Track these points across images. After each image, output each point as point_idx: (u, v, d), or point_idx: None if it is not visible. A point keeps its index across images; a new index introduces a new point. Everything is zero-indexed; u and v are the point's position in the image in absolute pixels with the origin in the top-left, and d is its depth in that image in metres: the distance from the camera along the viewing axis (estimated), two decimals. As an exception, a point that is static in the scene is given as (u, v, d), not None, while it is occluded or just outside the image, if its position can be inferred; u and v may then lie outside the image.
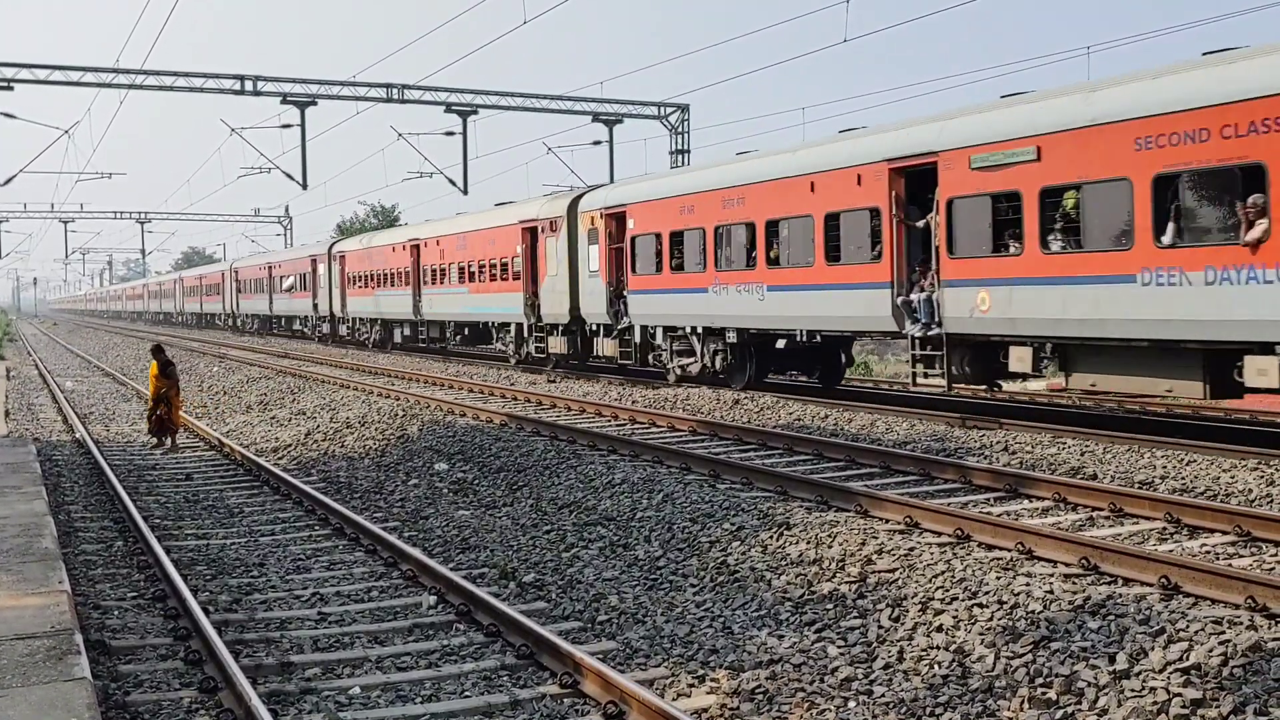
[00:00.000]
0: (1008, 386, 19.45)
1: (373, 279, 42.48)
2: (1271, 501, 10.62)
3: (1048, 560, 8.80)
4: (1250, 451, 12.81)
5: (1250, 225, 12.30)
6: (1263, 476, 11.42)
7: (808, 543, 9.52)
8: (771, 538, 9.81)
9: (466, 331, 35.83)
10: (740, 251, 20.95)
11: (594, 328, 26.78)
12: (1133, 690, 6.12)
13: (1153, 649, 6.53)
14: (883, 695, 6.62)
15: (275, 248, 77.31)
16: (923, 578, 8.33)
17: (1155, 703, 5.94)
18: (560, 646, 7.24)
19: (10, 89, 33.63)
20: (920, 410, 17.70)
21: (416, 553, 10.05)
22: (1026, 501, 11.30)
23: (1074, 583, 8.01)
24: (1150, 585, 7.96)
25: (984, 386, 17.66)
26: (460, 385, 25.97)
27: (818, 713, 6.50)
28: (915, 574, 8.44)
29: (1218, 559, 8.87)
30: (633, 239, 24.39)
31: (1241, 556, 9.02)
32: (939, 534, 9.84)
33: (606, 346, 26.28)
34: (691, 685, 7.05)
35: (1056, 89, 15.24)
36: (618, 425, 18.18)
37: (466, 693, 7.02)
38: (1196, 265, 12.90)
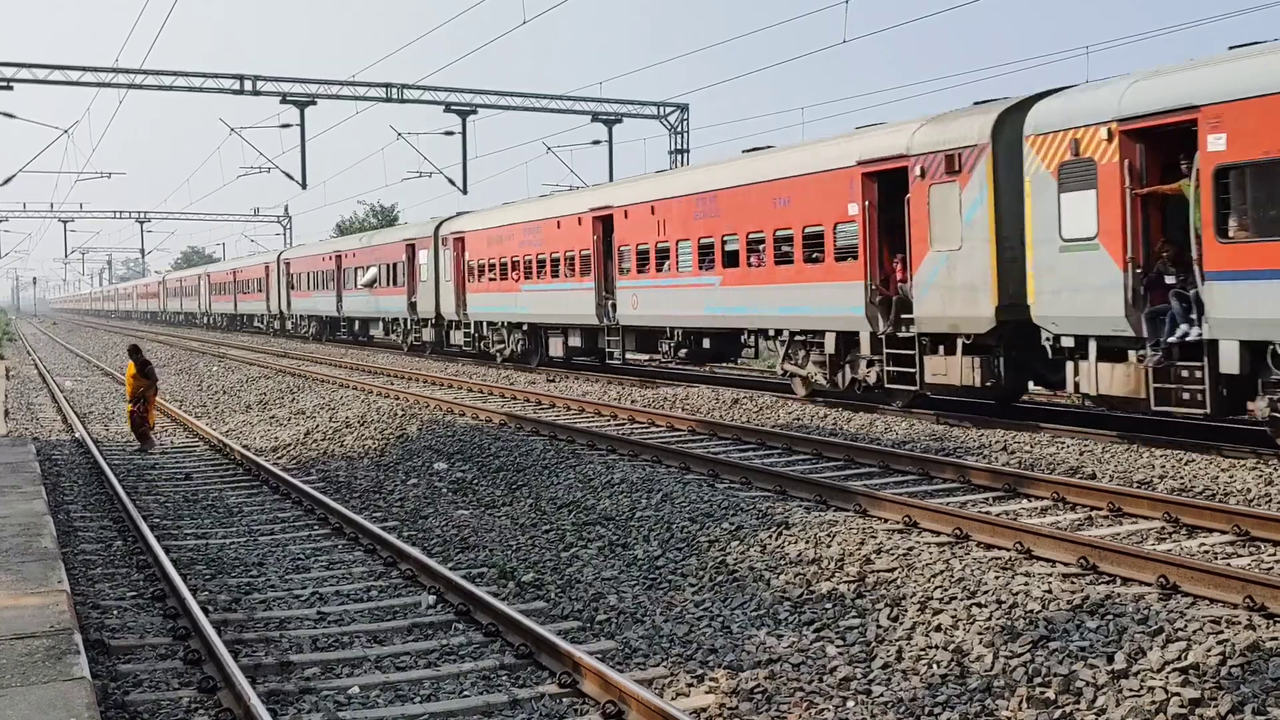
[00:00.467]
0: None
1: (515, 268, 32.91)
2: (1270, 501, 10.63)
3: (1046, 560, 8.81)
4: (1249, 451, 12.82)
5: None
6: (1261, 476, 11.43)
7: (806, 542, 9.52)
8: (770, 537, 9.81)
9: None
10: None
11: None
12: (1131, 690, 6.13)
13: (1151, 648, 6.53)
14: (881, 695, 6.62)
15: (275, 247, 74.81)
16: (921, 577, 8.34)
17: (1153, 702, 5.95)
18: (559, 646, 7.24)
19: (10, 89, 33.68)
20: (919, 410, 17.70)
21: (416, 552, 10.06)
22: (1025, 501, 11.30)
23: (1072, 582, 8.02)
24: (1149, 585, 7.97)
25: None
26: (459, 384, 26.04)
27: (816, 712, 6.50)
28: (914, 573, 8.45)
29: (1216, 558, 8.89)
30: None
31: (1240, 556, 9.03)
32: (938, 533, 9.85)
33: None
34: (690, 685, 7.05)
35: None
36: (617, 425, 18.20)
37: (465, 692, 7.02)
38: None
